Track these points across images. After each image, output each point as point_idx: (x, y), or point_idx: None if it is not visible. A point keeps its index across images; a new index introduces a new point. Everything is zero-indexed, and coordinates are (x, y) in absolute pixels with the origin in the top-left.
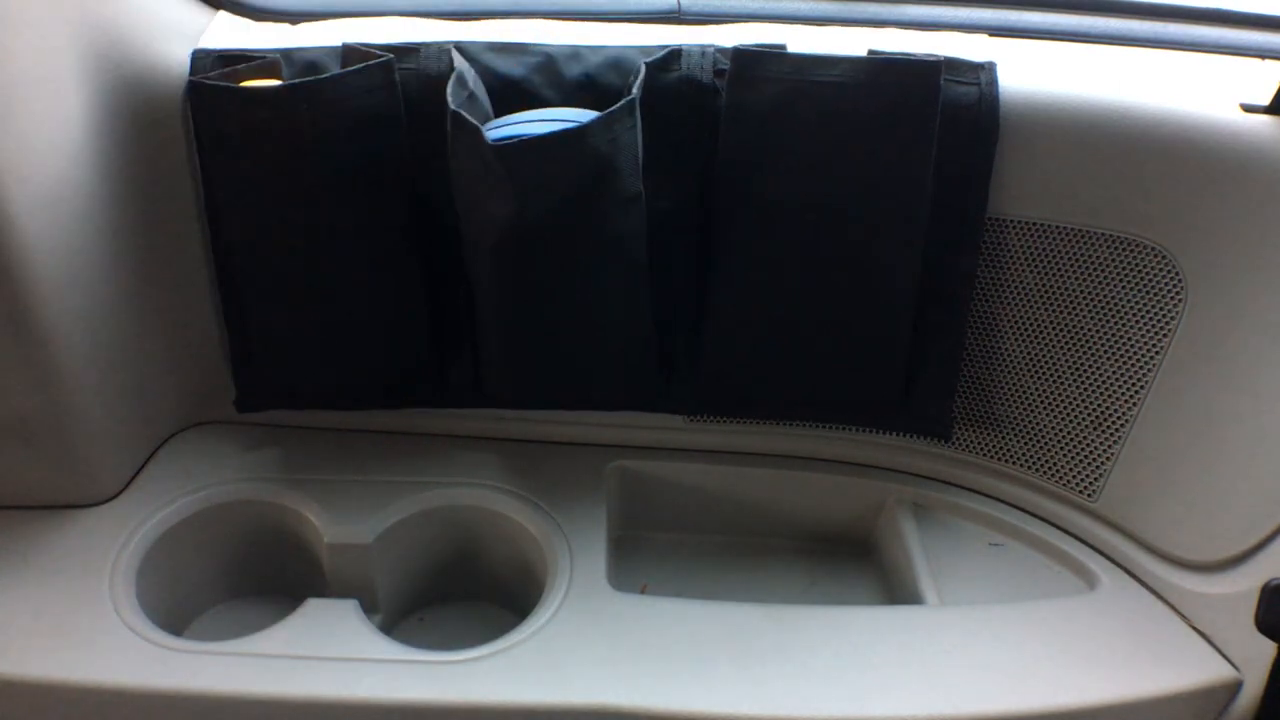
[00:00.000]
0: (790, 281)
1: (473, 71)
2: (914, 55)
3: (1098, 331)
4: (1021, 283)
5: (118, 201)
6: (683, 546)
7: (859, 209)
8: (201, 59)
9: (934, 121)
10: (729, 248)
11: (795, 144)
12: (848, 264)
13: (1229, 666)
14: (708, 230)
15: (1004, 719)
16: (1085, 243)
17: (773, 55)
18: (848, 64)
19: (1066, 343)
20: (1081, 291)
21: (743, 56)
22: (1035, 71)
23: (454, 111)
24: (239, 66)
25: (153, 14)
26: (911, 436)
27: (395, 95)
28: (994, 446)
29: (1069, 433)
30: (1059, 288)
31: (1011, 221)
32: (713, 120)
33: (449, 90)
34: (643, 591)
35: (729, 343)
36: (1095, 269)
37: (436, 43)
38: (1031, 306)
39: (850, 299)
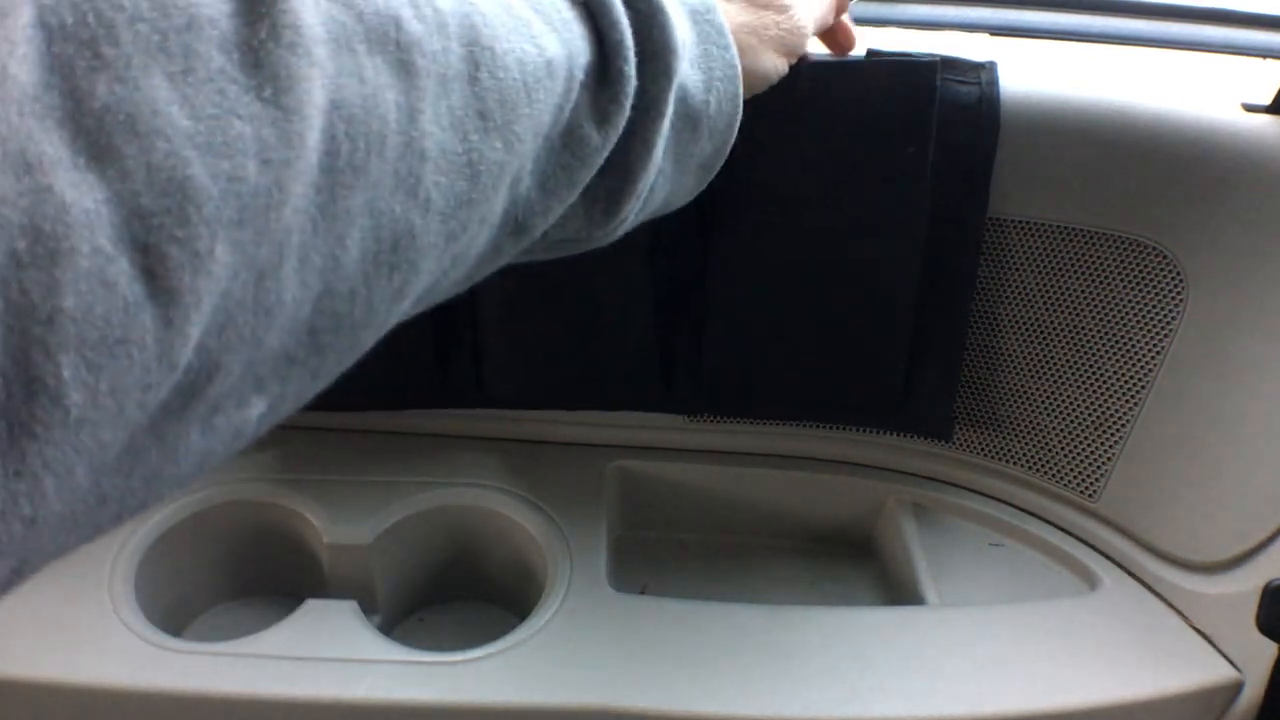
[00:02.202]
0: (789, 283)
1: None
2: (911, 55)
3: (1098, 331)
4: (1021, 283)
5: None
6: (683, 547)
7: (857, 212)
8: None
9: (931, 121)
10: (727, 250)
11: (793, 151)
12: (847, 266)
13: (1230, 667)
14: (707, 232)
15: (1004, 719)
16: (1085, 243)
17: None
18: (846, 68)
19: (1067, 343)
20: (1082, 291)
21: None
22: (1036, 71)
23: None
24: None
25: None
26: (912, 437)
27: None
28: (994, 446)
29: (1070, 433)
30: (1059, 288)
31: (1011, 221)
32: None
33: None
34: (643, 592)
35: (728, 344)
36: (1096, 269)
37: None
38: (1031, 306)
39: (849, 301)
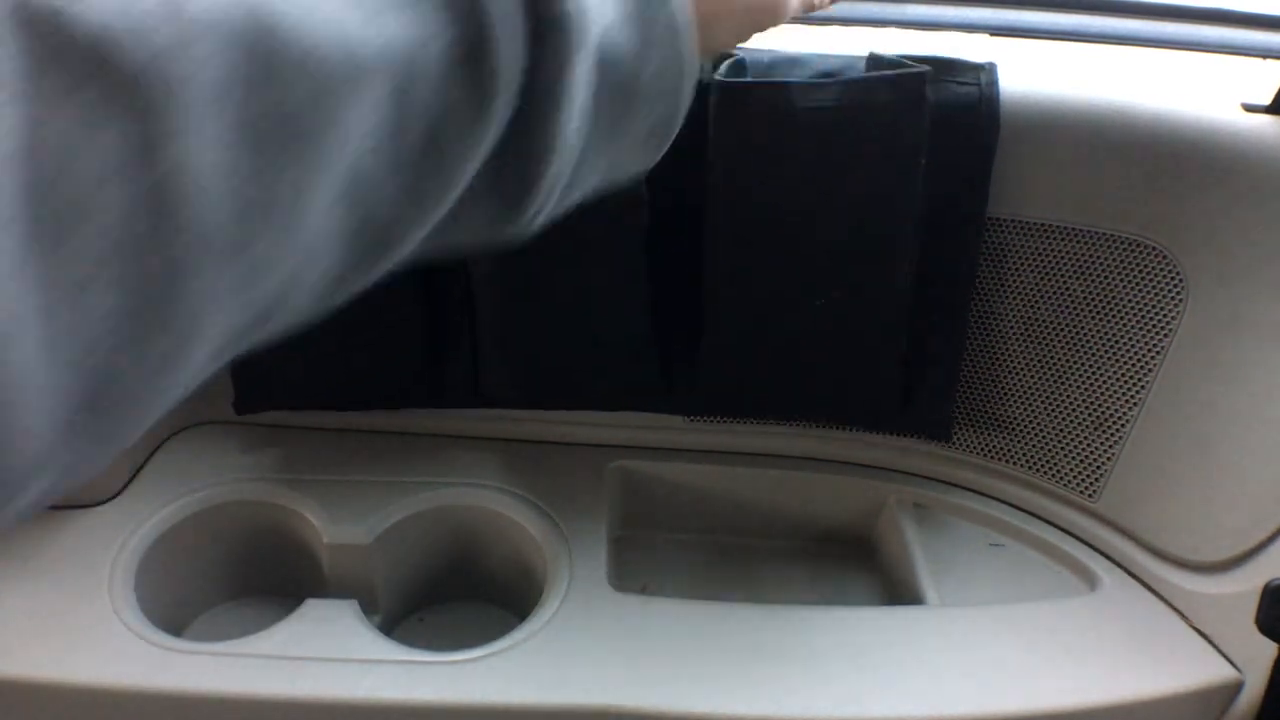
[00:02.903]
0: (785, 291)
1: None
2: (904, 67)
3: (1098, 332)
4: (1021, 283)
5: None
6: (683, 546)
7: (850, 225)
8: None
9: (922, 132)
10: (723, 261)
11: (785, 172)
12: (841, 276)
13: (1230, 667)
14: (702, 238)
15: (1004, 719)
16: (1085, 243)
17: (761, 86)
18: (837, 87)
19: (1067, 343)
20: (1081, 292)
21: (730, 91)
22: (1035, 71)
23: None
24: None
25: None
26: (912, 436)
27: None
28: (994, 447)
29: (1069, 433)
30: (1059, 288)
31: (1011, 221)
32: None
33: None
34: (643, 592)
35: (725, 348)
36: (1095, 269)
37: None
38: (1031, 306)
39: (844, 308)
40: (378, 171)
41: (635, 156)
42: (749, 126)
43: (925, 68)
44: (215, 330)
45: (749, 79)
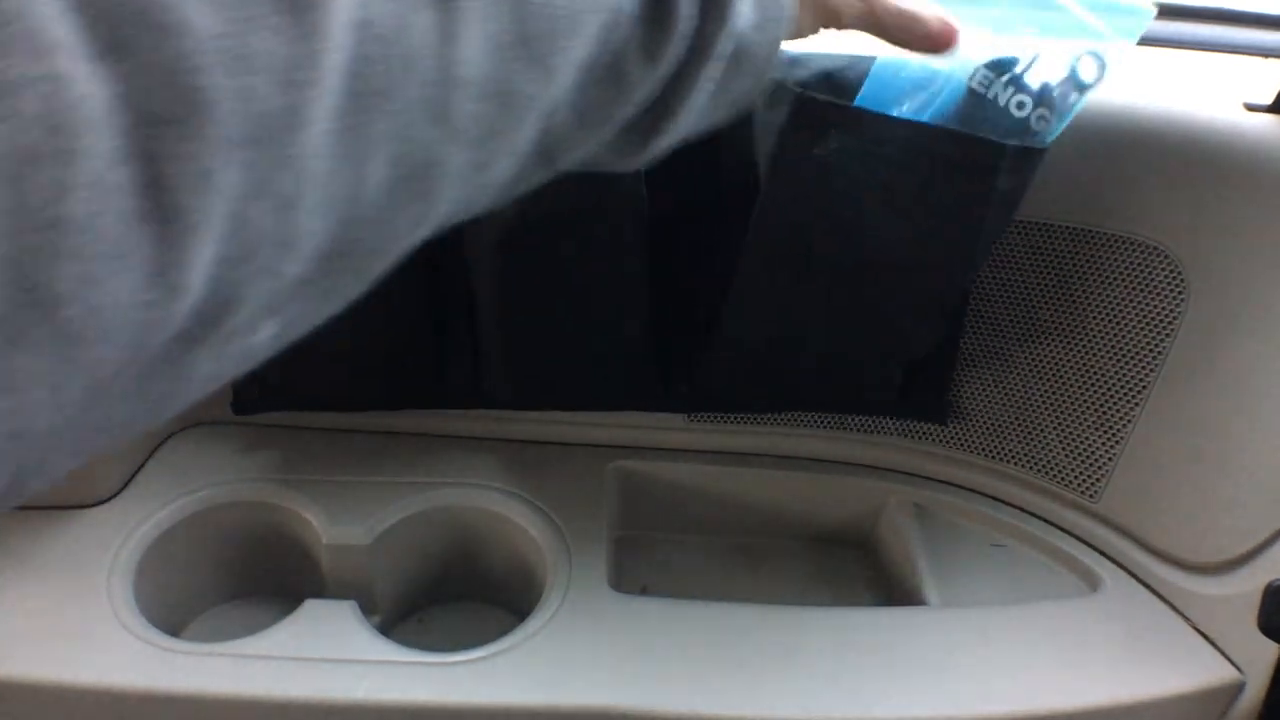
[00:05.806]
0: (807, 304)
1: None
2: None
3: (1099, 332)
4: (1022, 283)
5: None
6: (683, 547)
7: (895, 265)
8: None
9: (987, 200)
10: (754, 272)
11: (842, 206)
12: (871, 303)
13: (1232, 668)
14: (710, 240)
15: None
16: (1086, 242)
17: (839, 109)
18: (911, 128)
19: (1068, 343)
20: (1083, 291)
21: (807, 105)
22: None
23: None
24: None
25: None
26: (912, 437)
27: None
28: (995, 447)
29: (1071, 433)
30: (1060, 288)
31: (1012, 221)
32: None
33: None
34: (643, 592)
35: (728, 347)
36: (1096, 269)
37: None
38: (1032, 307)
39: (846, 296)
40: (569, 94)
41: (715, 119)
42: (819, 146)
43: (999, 142)
44: (441, 209)
45: (831, 99)
